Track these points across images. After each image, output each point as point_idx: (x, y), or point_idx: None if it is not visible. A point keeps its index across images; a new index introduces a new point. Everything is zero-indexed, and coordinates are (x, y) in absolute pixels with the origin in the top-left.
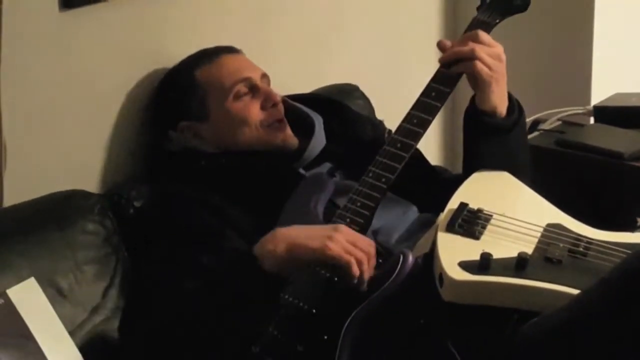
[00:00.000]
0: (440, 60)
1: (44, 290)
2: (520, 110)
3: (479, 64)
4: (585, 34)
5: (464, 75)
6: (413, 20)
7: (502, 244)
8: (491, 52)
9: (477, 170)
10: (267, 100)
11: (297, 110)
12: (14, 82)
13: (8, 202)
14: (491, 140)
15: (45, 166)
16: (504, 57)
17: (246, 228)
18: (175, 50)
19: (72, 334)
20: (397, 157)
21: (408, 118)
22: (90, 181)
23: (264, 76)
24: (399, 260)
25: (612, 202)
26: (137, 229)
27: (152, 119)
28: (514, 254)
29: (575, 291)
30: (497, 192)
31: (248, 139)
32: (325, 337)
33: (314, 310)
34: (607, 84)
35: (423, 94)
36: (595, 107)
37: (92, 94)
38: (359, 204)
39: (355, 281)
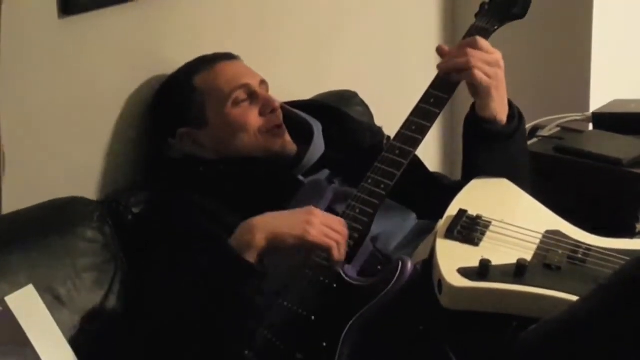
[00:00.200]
0: (439, 67)
1: (43, 298)
2: (521, 117)
3: (477, 73)
4: (583, 41)
5: (464, 82)
6: (412, 27)
7: (501, 250)
8: (490, 59)
9: (476, 177)
10: (266, 106)
11: (296, 116)
12: (13, 88)
13: (7, 208)
14: (491, 148)
15: (44, 173)
16: (502, 64)
17: None
18: (176, 57)
19: (70, 341)
20: (396, 164)
21: (407, 124)
22: (89, 188)
23: (263, 82)
24: (398, 267)
25: (610, 208)
26: (136, 235)
27: (151, 126)
28: (513, 261)
29: (574, 298)
30: (496, 199)
31: (247, 145)
32: (325, 344)
33: (313, 317)
34: (605, 90)
35: (422, 100)
36: (594, 114)
37: (92, 101)
38: (357, 210)
39: (333, 264)
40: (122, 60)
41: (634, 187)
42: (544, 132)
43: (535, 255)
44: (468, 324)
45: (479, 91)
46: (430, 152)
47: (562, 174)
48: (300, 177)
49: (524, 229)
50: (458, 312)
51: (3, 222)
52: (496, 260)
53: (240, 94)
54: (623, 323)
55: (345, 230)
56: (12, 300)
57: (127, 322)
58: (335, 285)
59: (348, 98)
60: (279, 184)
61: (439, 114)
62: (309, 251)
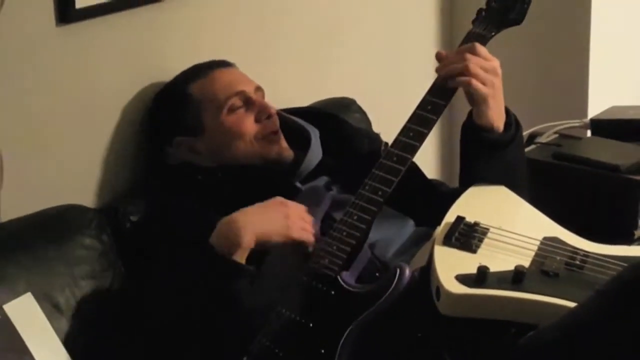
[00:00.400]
0: (437, 71)
1: (41, 306)
2: (518, 125)
3: (474, 81)
4: (581, 47)
5: (461, 88)
6: (410, 33)
7: (499, 257)
8: (487, 66)
9: (474, 184)
10: (261, 113)
11: (294, 123)
12: (10, 95)
13: (5, 216)
14: (488, 155)
15: (42, 181)
16: (499, 71)
17: None
18: (173, 64)
19: (68, 349)
20: (394, 171)
21: (404, 131)
22: (87, 196)
23: (258, 89)
24: (396, 274)
25: (608, 215)
26: (134, 243)
27: (148, 134)
28: (511, 267)
29: (572, 304)
30: (493, 206)
31: (243, 152)
32: (323, 351)
33: (311, 324)
34: (603, 97)
35: (419, 107)
36: (592, 120)
37: (90, 108)
38: (355, 217)
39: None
40: (120, 67)
41: (631, 194)
42: (542, 139)
43: (533, 262)
44: (466, 331)
45: (476, 99)
46: (428, 159)
47: (560, 181)
48: (298, 184)
49: (521, 235)
50: (456, 318)
51: (1, 230)
52: (494, 267)
53: (236, 101)
54: (621, 329)
55: (311, 218)
56: (10, 308)
57: (125, 329)
58: (333, 292)
59: (346, 105)
60: (276, 191)
61: (436, 120)
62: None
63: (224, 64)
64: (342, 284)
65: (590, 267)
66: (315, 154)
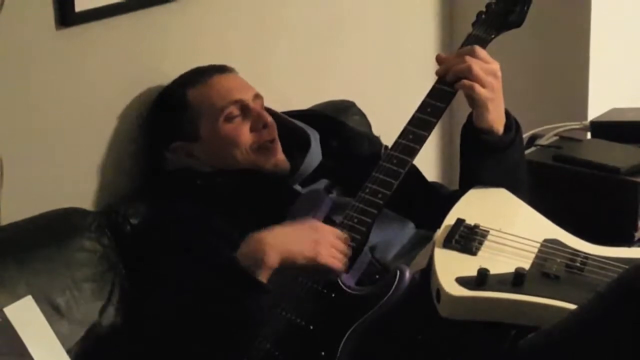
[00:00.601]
0: (437, 74)
1: (41, 308)
2: (518, 127)
3: (476, 85)
4: (581, 49)
5: (461, 91)
6: (409, 36)
7: (499, 259)
8: (487, 68)
9: (474, 187)
10: (258, 122)
11: (293, 125)
12: (10, 99)
13: (5, 220)
14: (488, 158)
15: (42, 184)
16: (499, 74)
17: None
18: (173, 68)
19: (69, 352)
20: (394, 173)
21: (404, 134)
22: (87, 199)
23: (257, 97)
24: (396, 276)
25: (609, 217)
26: (134, 246)
27: (146, 139)
28: (511, 270)
29: (573, 306)
30: (493, 208)
31: (239, 160)
32: (323, 353)
33: (311, 327)
34: (603, 99)
35: (419, 109)
36: (592, 122)
37: (89, 112)
38: (355, 220)
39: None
40: (120, 70)
41: (632, 196)
42: (542, 141)
43: (534, 264)
44: (466, 333)
45: (476, 102)
46: (428, 161)
47: (561, 183)
48: (298, 187)
49: (522, 238)
50: (456, 321)
51: (1, 233)
52: (494, 269)
53: (233, 110)
54: (621, 330)
55: (347, 249)
56: (10, 311)
57: (126, 332)
58: (333, 295)
59: (346, 108)
60: (276, 195)
61: (436, 123)
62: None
63: (223, 70)
64: (343, 286)
65: (591, 269)
66: (314, 156)
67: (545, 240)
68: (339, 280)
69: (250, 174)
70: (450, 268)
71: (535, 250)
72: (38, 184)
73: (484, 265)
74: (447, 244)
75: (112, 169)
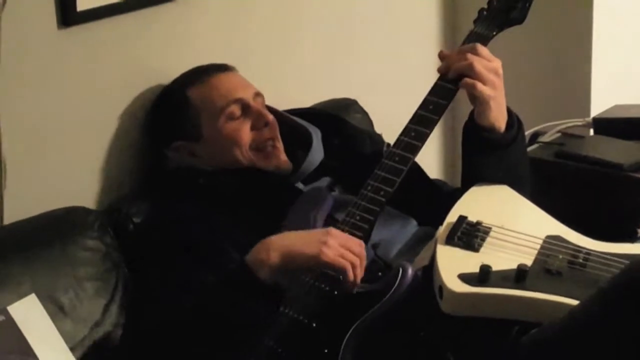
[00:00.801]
0: (439, 71)
1: (45, 307)
2: (520, 125)
3: (478, 83)
4: (584, 46)
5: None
6: (411, 34)
7: (501, 256)
8: (489, 66)
9: (476, 184)
10: (259, 120)
11: (295, 124)
12: (13, 99)
13: (8, 219)
14: (490, 155)
15: (45, 183)
16: (501, 71)
17: (245, 244)
18: (174, 67)
19: (73, 350)
20: (396, 171)
21: (406, 131)
22: (89, 198)
23: (258, 95)
24: (399, 273)
25: (611, 213)
26: (137, 245)
27: (148, 138)
28: (514, 266)
29: (575, 302)
30: (495, 205)
31: (240, 159)
32: (326, 351)
33: (314, 324)
34: (606, 95)
35: (421, 107)
36: (595, 119)
37: (92, 111)
38: (357, 217)
39: (349, 284)
40: (122, 69)
41: (634, 192)
42: (545, 138)
43: (536, 261)
44: (469, 330)
45: (478, 99)
46: (431, 159)
47: (563, 180)
48: (300, 185)
49: (524, 234)
50: (459, 317)
51: (4, 232)
52: (497, 265)
53: (234, 109)
54: (623, 325)
55: (363, 253)
56: (14, 310)
57: (129, 331)
58: (336, 292)
59: (348, 105)
60: (277, 193)
61: (438, 120)
62: (323, 273)
63: (223, 68)
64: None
65: (593, 265)
66: (316, 154)
67: (548, 237)
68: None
69: (252, 173)
70: (453, 265)
71: (538, 246)
72: (41, 183)
73: (487, 262)
74: (450, 240)
75: (114, 168)
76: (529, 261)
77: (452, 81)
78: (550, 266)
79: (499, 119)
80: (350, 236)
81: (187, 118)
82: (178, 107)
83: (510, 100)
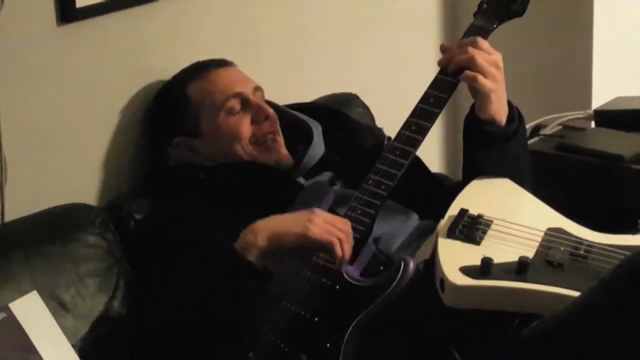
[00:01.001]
0: (439, 64)
1: (47, 304)
2: (520, 118)
3: (479, 76)
4: (584, 39)
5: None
6: (412, 27)
7: (503, 248)
8: (489, 59)
9: (477, 177)
10: (258, 114)
11: (295, 118)
12: (13, 96)
13: (9, 216)
14: (491, 149)
15: (46, 180)
16: (501, 64)
17: None
18: (174, 63)
19: (75, 346)
20: (397, 164)
21: (407, 125)
22: (91, 194)
23: (257, 89)
24: (400, 267)
25: (613, 204)
26: (139, 241)
27: (148, 135)
28: (515, 258)
29: (577, 294)
30: (497, 198)
31: (241, 154)
32: (328, 345)
33: (316, 319)
34: (607, 87)
35: (421, 100)
36: (596, 111)
37: (92, 108)
38: (359, 211)
39: (337, 262)
40: (122, 66)
41: (636, 183)
42: (546, 131)
43: (537, 253)
44: (471, 322)
45: (478, 92)
46: (432, 153)
47: (564, 172)
48: (301, 180)
49: (525, 227)
50: (461, 310)
51: (6, 229)
52: (498, 258)
53: (234, 104)
54: (625, 317)
55: (348, 229)
56: (16, 306)
57: (131, 327)
58: (338, 287)
59: (349, 100)
60: (278, 188)
61: (438, 113)
62: (311, 249)
63: (222, 63)
64: (347, 278)
65: (595, 256)
66: (317, 149)
67: (549, 229)
68: (343, 272)
69: (253, 168)
70: (454, 258)
71: (539, 239)
72: (41, 180)
73: (488, 255)
74: (451, 234)
75: (115, 164)
76: (530, 253)
77: (452, 74)
78: (552, 258)
79: (499, 112)
80: (335, 215)
81: (186, 114)
82: (177, 103)
83: (511, 93)
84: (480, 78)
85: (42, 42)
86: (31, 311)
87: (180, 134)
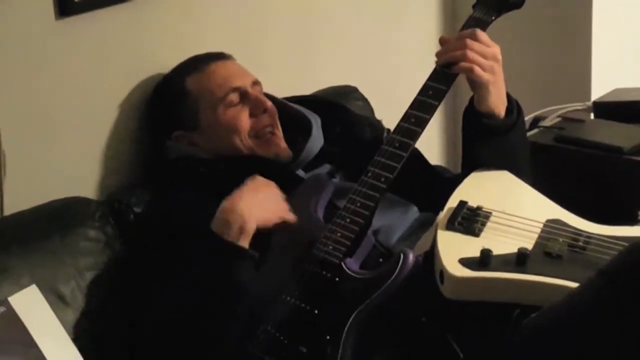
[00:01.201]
0: (437, 56)
1: (46, 297)
2: (519, 110)
3: (475, 67)
4: (584, 30)
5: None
6: (411, 20)
7: (502, 240)
8: (487, 52)
9: (476, 169)
10: (257, 107)
11: (294, 111)
12: (12, 89)
13: (8, 210)
14: (489, 141)
15: (45, 174)
16: (500, 57)
17: None
18: (172, 56)
19: (74, 340)
20: (396, 157)
21: (406, 117)
22: (90, 188)
23: (256, 83)
24: (400, 259)
25: (612, 196)
26: (138, 234)
27: (147, 127)
28: (514, 250)
29: (576, 285)
30: (496, 190)
31: (240, 147)
32: (328, 337)
33: (315, 311)
34: (606, 79)
35: (420, 93)
36: (595, 103)
37: (91, 101)
38: (358, 204)
39: None
40: (121, 60)
41: (635, 175)
42: (545, 123)
43: (536, 244)
44: (470, 314)
45: (476, 85)
46: (432, 145)
47: (564, 164)
48: (301, 173)
49: (524, 218)
50: (460, 302)
51: (5, 223)
52: (497, 249)
53: (233, 97)
54: (623, 307)
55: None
56: (15, 300)
57: (130, 319)
58: (337, 279)
59: (348, 93)
60: (278, 180)
61: (437, 106)
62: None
63: (221, 57)
64: (347, 270)
65: (593, 248)
66: (316, 141)
67: (548, 221)
68: (343, 264)
69: (252, 160)
70: (453, 249)
71: (538, 230)
72: (41, 174)
73: (487, 246)
74: (450, 225)
75: (114, 158)
76: (529, 245)
77: (450, 66)
78: (551, 249)
79: (498, 105)
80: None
81: (185, 107)
82: (176, 96)
83: (511, 85)
84: (477, 69)
85: (40, 36)
86: (30, 305)
87: (180, 128)
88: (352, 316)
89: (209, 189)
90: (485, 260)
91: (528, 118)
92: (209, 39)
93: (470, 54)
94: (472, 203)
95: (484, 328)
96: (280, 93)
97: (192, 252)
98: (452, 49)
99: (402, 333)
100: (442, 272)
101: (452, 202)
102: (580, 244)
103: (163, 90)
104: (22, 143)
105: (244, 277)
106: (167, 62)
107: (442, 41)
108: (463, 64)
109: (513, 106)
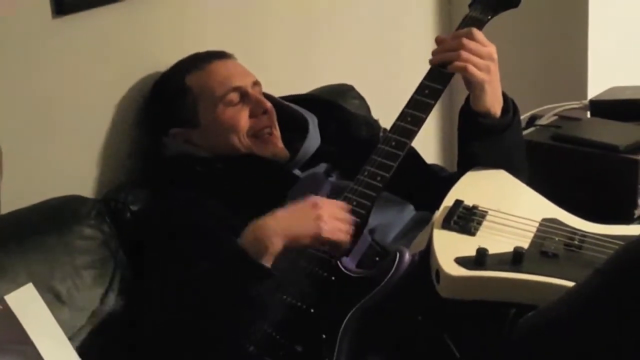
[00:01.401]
0: (433, 56)
1: (42, 296)
2: (515, 109)
3: (470, 67)
4: (580, 28)
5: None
6: (407, 18)
7: (498, 239)
8: (483, 51)
9: (472, 168)
10: (257, 108)
11: (291, 110)
12: (8, 88)
13: (5, 208)
14: (485, 141)
15: (42, 172)
16: (496, 56)
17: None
18: (169, 54)
19: (71, 339)
20: (392, 156)
21: (402, 116)
22: (86, 186)
23: (256, 84)
24: (396, 258)
25: (608, 195)
26: (135, 233)
27: (145, 126)
28: (510, 249)
29: (571, 284)
30: (492, 189)
31: (238, 146)
32: (324, 336)
33: (312, 310)
34: (602, 78)
35: (416, 92)
36: (591, 101)
37: (88, 100)
38: (354, 202)
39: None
40: (117, 58)
41: (631, 173)
42: (542, 121)
43: (532, 243)
44: (466, 313)
45: (472, 84)
46: (428, 144)
47: (560, 162)
48: (297, 172)
49: (520, 217)
50: (456, 301)
51: (2, 222)
52: (493, 249)
53: (233, 97)
54: (619, 306)
55: (349, 216)
56: (11, 299)
57: (129, 319)
58: (333, 278)
59: (344, 91)
60: (274, 179)
61: (434, 105)
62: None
63: (222, 55)
64: (343, 269)
65: (589, 246)
66: (313, 141)
67: (544, 220)
68: (339, 263)
69: (250, 160)
70: (449, 249)
71: (534, 229)
72: (37, 172)
73: (483, 245)
74: (446, 224)
75: (111, 156)
76: (525, 244)
77: (446, 65)
78: (547, 248)
79: (494, 104)
80: (333, 201)
81: (184, 105)
82: (176, 93)
83: (507, 84)
84: (472, 68)
85: (37, 35)
86: (27, 303)
87: (178, 125)
88: (348, 315)
89: (205, 187)
90: (481, 259)
91: (524, 116)
92: (206, 38)
93: (465, 54)
94: (468, 202)
95: (480, 327)
96: (277, 91)
97: (193, 252)
98: (447, 48)
99: (398, 332)
100: (438, 271)
101: (448, 201)
102: (576, 242)
103: (162, 86)
104: (19, 141)
105: (260, 294)
106: (164, 60)
107: (438, 40)
108: (458, 63)
109: (509, 105)
